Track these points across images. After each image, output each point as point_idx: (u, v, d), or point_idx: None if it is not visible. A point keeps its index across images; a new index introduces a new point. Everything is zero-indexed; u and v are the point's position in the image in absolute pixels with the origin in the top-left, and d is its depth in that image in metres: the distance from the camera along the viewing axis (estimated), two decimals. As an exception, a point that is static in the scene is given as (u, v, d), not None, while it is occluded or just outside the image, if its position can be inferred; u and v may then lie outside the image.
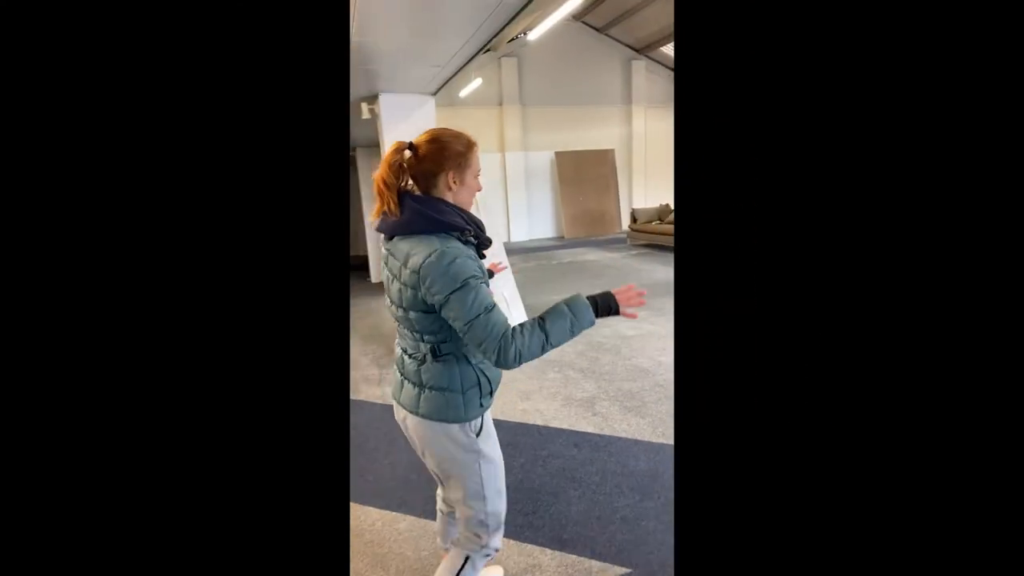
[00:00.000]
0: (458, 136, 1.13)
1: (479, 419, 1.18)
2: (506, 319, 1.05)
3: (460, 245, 1.09)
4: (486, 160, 11.93)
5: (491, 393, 1.20)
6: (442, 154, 1.10)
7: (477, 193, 1.17)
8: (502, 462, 1.26)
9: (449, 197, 1.13)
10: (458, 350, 1.14)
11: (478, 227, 1.14)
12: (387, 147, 1.83)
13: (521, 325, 1.05)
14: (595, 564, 1.77)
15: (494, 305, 1.05)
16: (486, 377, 1.18)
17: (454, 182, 1.12)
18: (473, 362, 1.16)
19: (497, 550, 1.30)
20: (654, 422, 2.79)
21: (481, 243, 1.15)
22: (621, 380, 3.40)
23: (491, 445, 1.22)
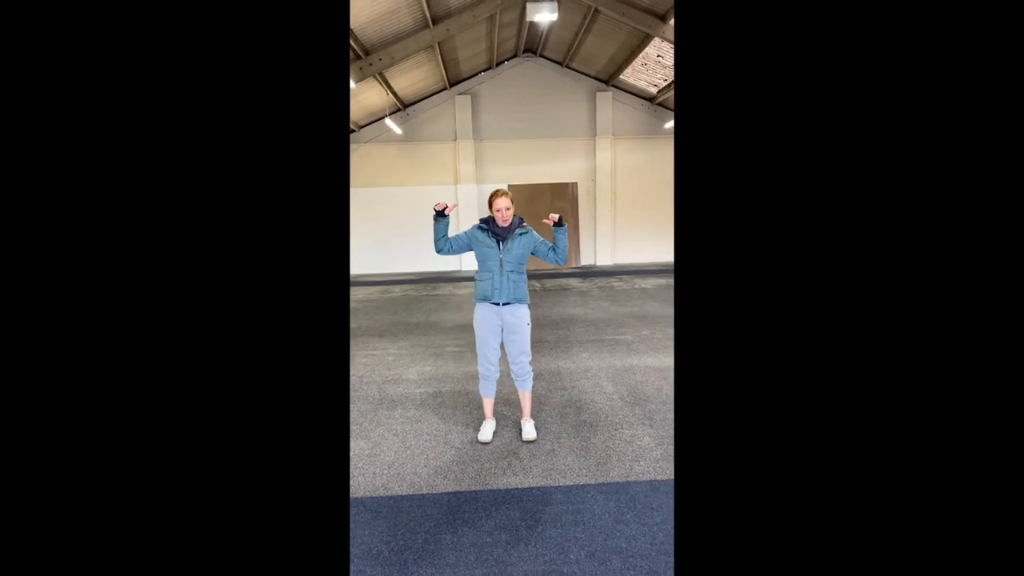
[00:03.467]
0: (491, 196, 2.72)
1: (476, 305, 2.77)
2: (451, 242, 2.73)
3: (476, 227, 2.74)
4: (439, 192, 11.91)
5: (477, 295, 2.73)
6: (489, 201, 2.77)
7: (498, 212, 2.68)
8: (481, 336, 2.76)
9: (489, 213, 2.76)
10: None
11: (488, 224, 2.70)
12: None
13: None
14: None
15: (457, 239, 2.75)
16: (476, 288, 2.76)
17: (489, 210, 2.73)
18: (476, 276, 2.78)
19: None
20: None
21: (491, 231, 2.69)
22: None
23: (476, 322, 2.77)
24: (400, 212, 11.78)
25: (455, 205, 2.84)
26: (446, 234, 2.72)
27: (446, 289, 9.17)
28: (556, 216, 2.69)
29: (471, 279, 10.55)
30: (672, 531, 1.91)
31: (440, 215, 2.68)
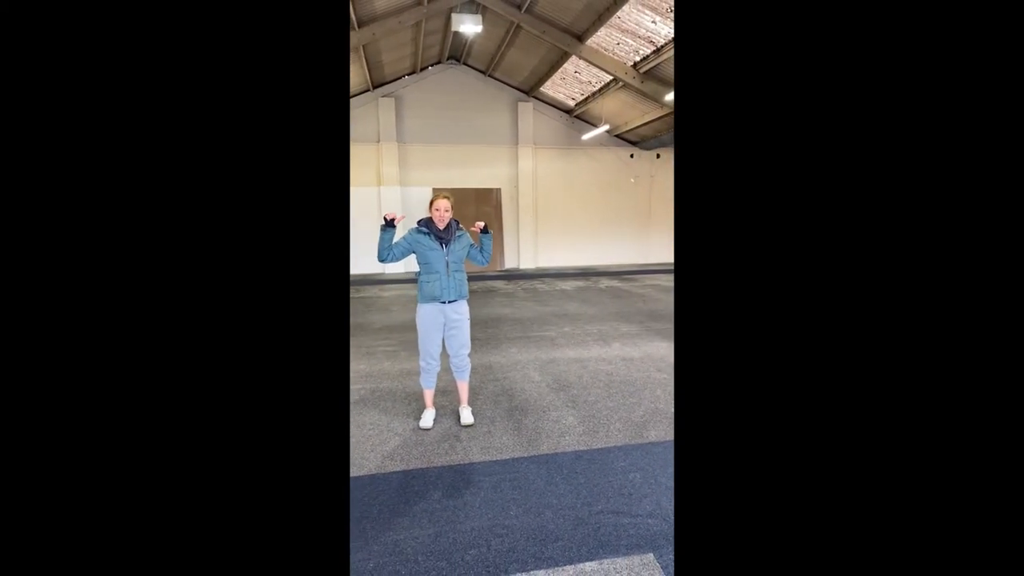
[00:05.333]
0: (432, 199, 2.91)
1: (421, 305, 2.93)
2: (394, 251, 2.84)
3: (415, 231, 2.89)
4: (361, 194, 11.73)
5: (424, 296, 2.90)
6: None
7: (436, 213, 2.89)
8: (424, 333, 2.95)
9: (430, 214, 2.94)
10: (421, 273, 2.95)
11: (428, 227, 2.88)
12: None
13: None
14: None
15: (398, 246, 2.85)
16: (421, 289, 2.92)
17: (429, 211, 2.93)
18: (419, 279, 2.94)
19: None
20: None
21: (433, 234, 2.88)
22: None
23: (420, 320, 2.94)
24: (321, 213, 11.50)
25: (403, 216, 2.93)
26: (391, 244, 2.81)
27: (370, 291, 9.15)
28: (482, 224, 3.05)
29: (394, 282, 10.61)
30: (595, 488, 2.28)
31: (389, 225, 2.79)
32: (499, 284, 9.88)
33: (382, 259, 2.82)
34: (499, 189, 12.52)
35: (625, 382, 3.76)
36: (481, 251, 3.03)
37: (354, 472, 2.46)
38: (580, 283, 9.75)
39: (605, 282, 9.86)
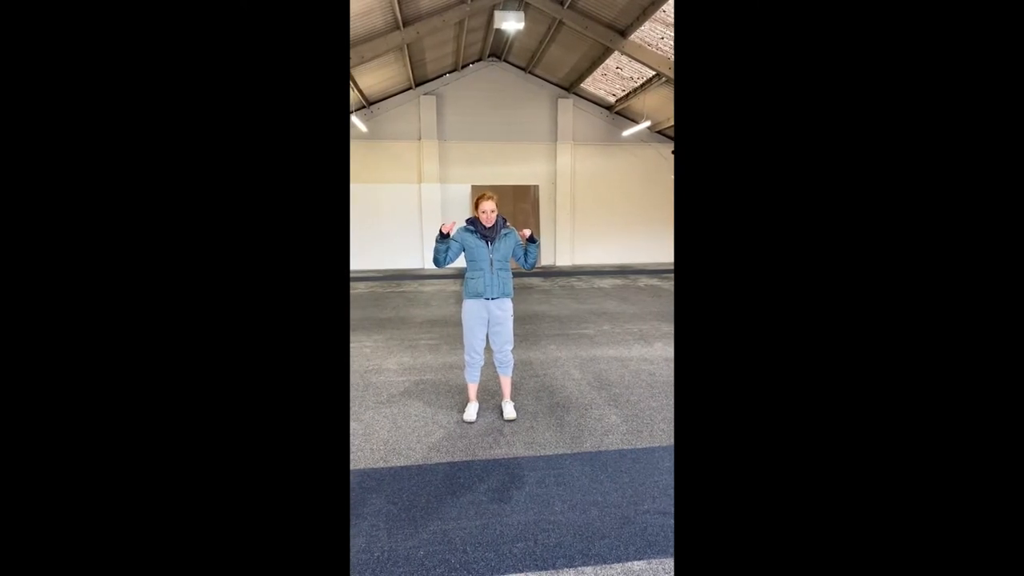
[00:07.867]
0: (477, 198, 2.98)
1: (466, 300, 3.04)
2: (450, 255, 2.93)
3: (463, 229, 2.99)
4: (402, 191, 11.95)
5: (469, 292, 3.00)
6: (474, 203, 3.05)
7: (482, 215, 2.97)
8: (469, 328, 3.03)
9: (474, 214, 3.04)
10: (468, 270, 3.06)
11: (475, 225, 2.97)
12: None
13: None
14: None
15: (451, 249, 2.92)
16: (467, 285, 3.03)
17: (475, 211, 3.01)
18: (465, 275, 3.05)
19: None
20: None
21: (479, 232, 2.96)
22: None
23: (465, 315, 3.04)
24: (363, 210, 11.79)
25: (454, 223, 2.97)
26: (446, 251, 2.88)
27: (411, 286, 9.32)
28: (529, 232, 3.05)
29: (434, 277, 10.76)
30: (640, 488, 2.26)
31: (444, 237, 2.84)
32: (536, 281, 9.88)
33: (439, 265, 2.91)
34: (537, 186, 12.50)
35: (668, 383, 3.70)
36: (525, 256, 3.06)
37: (401, 462, 2.52)
38: (618, 281, 9.64)
39: (644, 280, 9.71)
